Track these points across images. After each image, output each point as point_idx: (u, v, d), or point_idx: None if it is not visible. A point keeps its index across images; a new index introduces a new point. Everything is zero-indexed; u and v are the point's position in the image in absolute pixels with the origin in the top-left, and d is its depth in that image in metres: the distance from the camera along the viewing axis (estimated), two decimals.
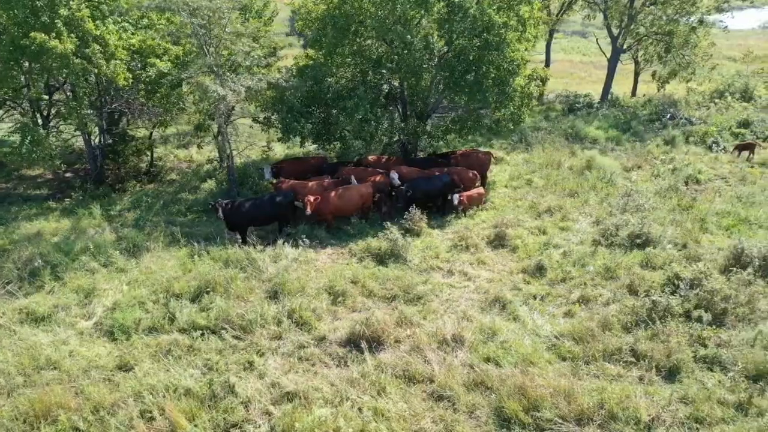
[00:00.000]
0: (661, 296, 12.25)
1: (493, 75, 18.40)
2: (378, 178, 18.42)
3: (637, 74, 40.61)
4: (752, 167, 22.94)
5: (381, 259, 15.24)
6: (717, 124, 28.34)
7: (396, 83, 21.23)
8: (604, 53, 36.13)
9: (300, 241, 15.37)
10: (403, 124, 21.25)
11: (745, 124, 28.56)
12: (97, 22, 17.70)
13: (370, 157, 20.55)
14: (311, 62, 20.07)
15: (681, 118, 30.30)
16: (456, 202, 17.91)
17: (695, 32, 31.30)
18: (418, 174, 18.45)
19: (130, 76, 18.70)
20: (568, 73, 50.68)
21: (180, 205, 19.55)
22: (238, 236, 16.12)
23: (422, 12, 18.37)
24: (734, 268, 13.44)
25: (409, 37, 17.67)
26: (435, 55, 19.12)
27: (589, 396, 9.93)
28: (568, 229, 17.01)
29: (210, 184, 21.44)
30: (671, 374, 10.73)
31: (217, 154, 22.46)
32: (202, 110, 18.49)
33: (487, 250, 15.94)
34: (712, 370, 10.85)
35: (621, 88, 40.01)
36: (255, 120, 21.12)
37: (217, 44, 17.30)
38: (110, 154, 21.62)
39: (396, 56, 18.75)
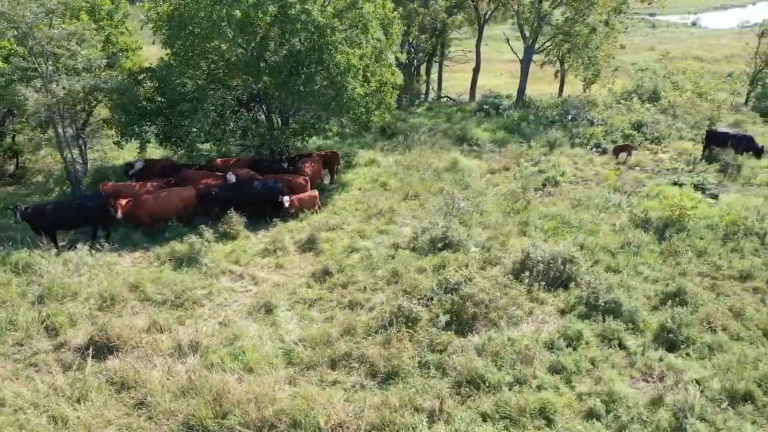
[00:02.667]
0: (407, 300, 12.21)
1: (323, 77, 18.33)
2: (211, 180, 18.36)
3: (562, 75, 40.72)
4: (618, 169, 22.97)
5: (180, 262, 15.19)
6: (608, 126, 28.43)
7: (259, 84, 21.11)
8: (516, 54, 36.13)
9: (97, 245, 15.30)
10: (259, 127, 21.19)
11: (638, 125, 28.61)
12: None
13: (218, 160, 20.51)
14: (160, 64, 20.01)
15: (583, 119, 30.38)
16: (287, 204, 17.84)
17: (595, 33, 31.26)
18: (245, 177, 18.38)
19: None
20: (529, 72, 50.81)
21: None
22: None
23: (258, 14, 18.28)
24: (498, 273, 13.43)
25: (239, 39, 17.62)
26: (270, 57, 19.05)
27: (283, 402, 9.89)
28: (387, 232, 16.99)
29: (66, 187, 21.35)
30: (387, 380, 10.72)
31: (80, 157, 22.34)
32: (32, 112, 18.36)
33: (295, 254, 15.91)
34: (433, 376, 10.85)
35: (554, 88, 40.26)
36: (105, 122, 21.05)
37: (41, 47, 17.20)
38: None
39: (234, 57, 18.69)
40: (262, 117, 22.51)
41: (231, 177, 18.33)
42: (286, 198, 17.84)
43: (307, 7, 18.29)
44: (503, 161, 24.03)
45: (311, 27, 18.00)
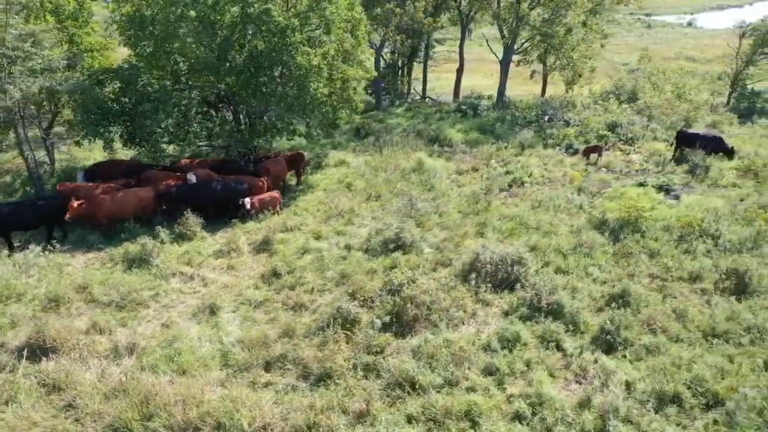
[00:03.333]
0: (347, 302, 12.21)
1: (286, 78, 18.32)
2: (171, 181, 18.36)
3: (545, 75, 40.74)
4: (585, 170, 22.95)
5: (132, 263, 15.17)
6: (584, 127, 28.41)
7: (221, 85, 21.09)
8: (495, 54, 36.14)
9: (50, 246, 15.29)
10: (224, 128, 21.18)
11: (613, 126, 28.58)
12: None
13: (183, 161, 20.51)
14: (125, 65, 19.99)
15: (559, 120, 30.36)
16: (248, 206, 17.82)
17: (571, 34, 31.27)
18: (204, 178, 18.38)
19: None
20: (518, 73, 50.78)
21: None
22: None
23: (216, 15, 18.29)
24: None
25: (192, 40, 17.62)
26: (232, 58, 19.03)
27: (210, 404, 9.88)
28: (344, 233, 16.99)
29: (30, 188, 21.33)
30: (320, 382, 10.71)
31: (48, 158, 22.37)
32: None
33: (249, 255, 15.91)
34: (367, 378, 10.84)
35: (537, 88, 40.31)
36: (68, 122, 21.04)
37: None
38: None
39: (193, 59, 18.69)
40: (230, 117, 22.54)
41: (191, 178, 18.33)
42: (247, 200, 17.82)
43: (267, 7, 18.29)
44: (473, 162, 24.00)
45: (272, 28, 17.99)
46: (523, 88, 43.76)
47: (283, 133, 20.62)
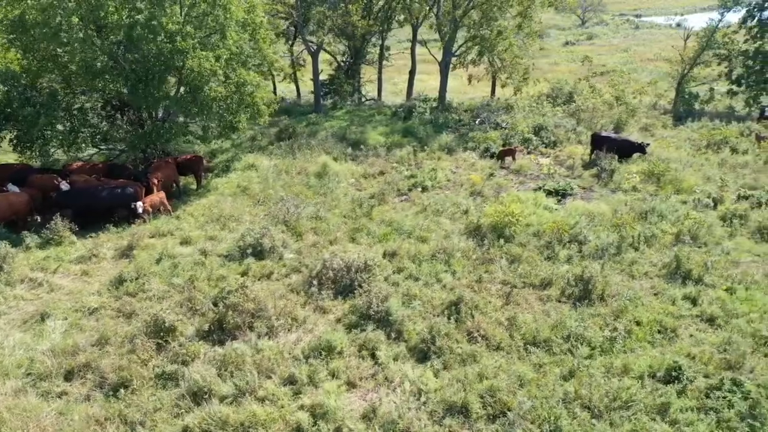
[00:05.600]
0: (162, 311, 12.07)
1: (179, 82, 18.23)
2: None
3: (493, 77, 40.63)
4: (491, 173, 22.80)
5: None
6: (511, 129, 28.27)
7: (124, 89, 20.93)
8: (435, 58, 36.04)
9: None
10: (118, 132, 21.06)
11: (538, 129, 28.47)
12: None
13: (74, 164, 20.38)
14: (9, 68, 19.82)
15: (492, 122, 30.25)
16: (140, 210, 17.69)
17: (501, 37, 31.16)
18: (84, 184, 18.24)
19: None
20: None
21: None
22: None
23: (103, 20, 18.17)
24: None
25: (66, 40, 17.52)
26: (124, 61, 18.90)
27: None
28: (215, 238, 16.85)
29: None
30: (115, 391, 10.57)
31: None
32: None
33: (110, 261, 15.77)
34: (165, 388, 10.71)
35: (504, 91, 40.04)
36: None
37: None
38: None
39: (74, 65, 18.57)
40: (135, 120, 22.41)
41: (64, 186, 18.14)
42: (140, 203, 17.69)
43: (156, 13, 18.14)
44: (382, 166, 23.82)
45: (161, 34, 17.88)
46: (485, 90, 43.50)
47: (179, 136, 20.49)
